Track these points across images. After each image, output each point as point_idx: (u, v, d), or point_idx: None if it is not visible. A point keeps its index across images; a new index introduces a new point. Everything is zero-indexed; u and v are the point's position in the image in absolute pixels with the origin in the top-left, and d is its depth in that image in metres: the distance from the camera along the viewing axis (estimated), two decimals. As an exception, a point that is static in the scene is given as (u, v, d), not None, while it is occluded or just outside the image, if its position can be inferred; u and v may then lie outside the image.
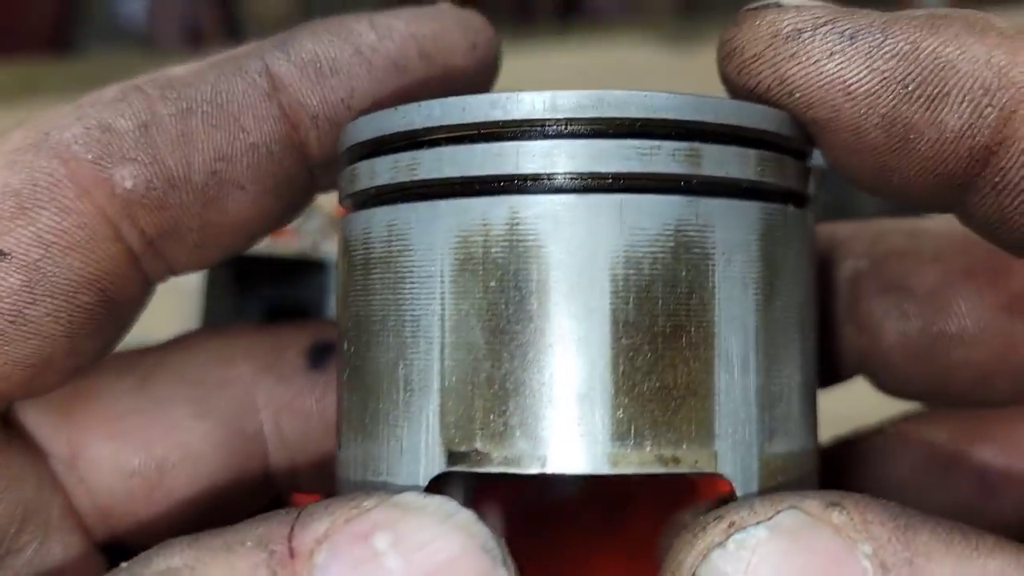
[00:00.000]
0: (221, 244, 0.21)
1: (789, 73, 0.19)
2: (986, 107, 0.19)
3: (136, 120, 0.20)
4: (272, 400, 0.24)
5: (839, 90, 0.19)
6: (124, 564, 0.18)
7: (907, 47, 0.19)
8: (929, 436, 0.25)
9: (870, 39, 0.19)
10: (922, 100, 0.19)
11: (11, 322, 0.19)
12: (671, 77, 0.99)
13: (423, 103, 0.18)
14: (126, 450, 0.22)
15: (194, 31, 1.66)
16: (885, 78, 0.19)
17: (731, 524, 0.16)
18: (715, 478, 0.17)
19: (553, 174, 0.17)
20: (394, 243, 0.18)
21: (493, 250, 0.17)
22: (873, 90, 0.19)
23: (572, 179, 0.17)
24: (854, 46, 0.19)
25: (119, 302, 0.20)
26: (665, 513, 0.54)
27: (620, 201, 0.17)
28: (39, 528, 0.21)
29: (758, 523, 0.16)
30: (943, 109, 0.19)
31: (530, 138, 0.17)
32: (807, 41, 0.20)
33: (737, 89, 0.21)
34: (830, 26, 0.20)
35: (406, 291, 0.18)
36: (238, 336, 0.24)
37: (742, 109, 0.19)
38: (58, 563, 0.21)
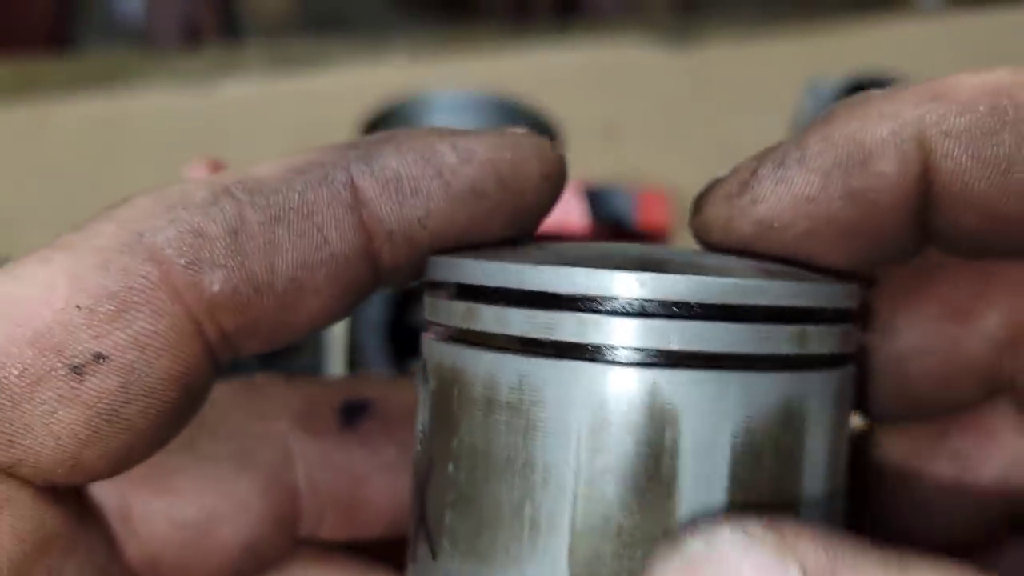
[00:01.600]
0: (288, 339, 0.22)
1: (757, 215, 0.22)
2: (909, 156, 0.22)
3: (227, 227, 0.20)
4: (306, 454, 0.25)
5: (800, 203, 0.22)
6: None
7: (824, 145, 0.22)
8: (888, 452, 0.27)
9: (798, 155, 0.22)
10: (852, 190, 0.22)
11: (107, 421, 0.20)
12: (669, 76, 0.99)
13: (565, 269, 0.20)
14: (179, 503, 0.24)
15: (192, 29, 1.66)
16: (825, 179, 0.22)
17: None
18: None
19: (689, 351, 0.19)
20: (526, 394, 0.19)
21: (632, 416, 0.19)
22: (816, 194, 0.22)
23: (706, 357, 0.19)
24: (793, 168, 0.22)
25: (196, 394, 0.21)
26: None
27: (744, 379, 0.19)
28: None
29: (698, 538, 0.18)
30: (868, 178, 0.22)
31: (671, 318, 0.19)
32: (755, 184, 0.22)
33: (724, 248, 0.23)
34: (766, 164, 0.22)
35: (538, 440, 0.20)
36: (270, 391, 0.26)
37: (832, 291, 0.21)
38: None
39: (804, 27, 1.04)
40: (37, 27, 1.56)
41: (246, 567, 0.25)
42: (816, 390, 0.20)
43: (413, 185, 0.21)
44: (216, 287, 0.20)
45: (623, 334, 0.19)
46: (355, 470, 0.25)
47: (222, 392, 0.25)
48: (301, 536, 0.26)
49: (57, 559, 0.21)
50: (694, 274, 0.19)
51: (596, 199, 0.66)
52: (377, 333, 0.55)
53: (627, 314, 0.19)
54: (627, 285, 0.19)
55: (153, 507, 0.23)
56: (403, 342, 0.55)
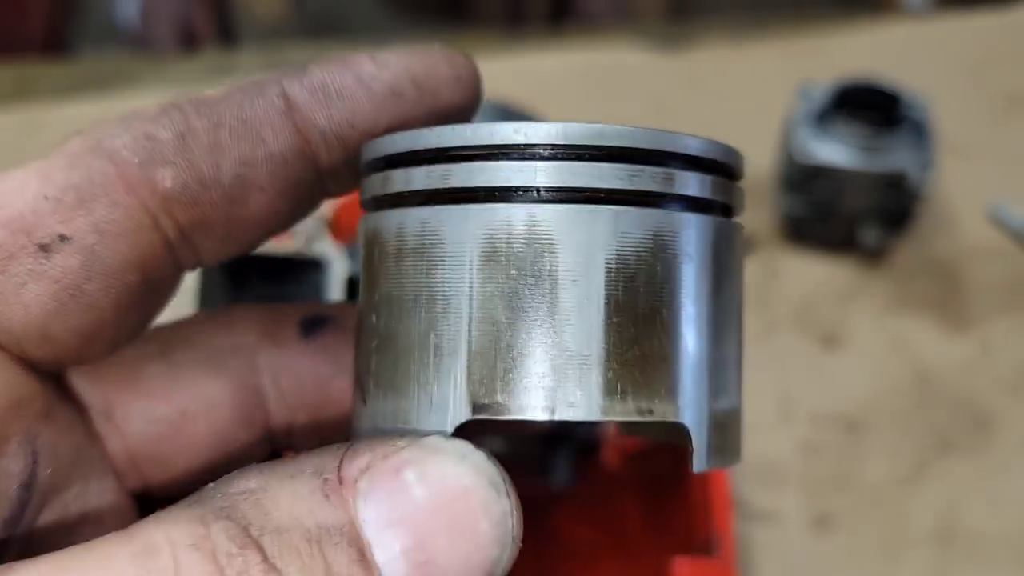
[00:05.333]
0: (242, 238, 0.25)
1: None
2: None
3: (175, 131, 0.24)
4: (271, 363, 0.28)
5: None
6: (211, 484, 0.21)
7: None
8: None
9: None
10: None
11: (71, 295, 0.23)
12: (659, 78, 1.00)
13: (456, 126, 0.23)
14: (153, 403, 0.27)
15: (187, 33, 1.66)
16: None
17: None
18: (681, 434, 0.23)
19: (562, 188, 0.22)
20: (427, 237, 0.23)
21: (514, 245, 0.22)
22: None
23: (577, 192, 0.22)
24: None
25: (157, 284, 0.24)
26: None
27: (614, 211, 0.22)
28: (83, 471, 0.26)
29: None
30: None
31: (545, 159, 0.22)
32: None
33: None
34: None
35: (438, 276, 0.22)
36: (240, 311, 0.29)
37: (702, 144, 0.24)
38: (96, 502, 0.26)
39: (794, 30, 1.05)
40: (34, 32, 1.56)
41: (217, 461, 0.28)
42: (687, 228, 0.23)
43: (338, 90, 0.25)
44: (168, 183, 0.23)
45: (505, 175, 0.22)
46: (317, 375, 0.28)
47: (196, 314, 0.29)
48: (276, 446, 0.29)
49: (33, 423, 0.24)
50: (568, 123, 0.22)
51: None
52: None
53: (508, 157, 0.22)
54: (506, 133, 0.22)
55: (132, 407, 0.27)
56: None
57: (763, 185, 0.85)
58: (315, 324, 0.29)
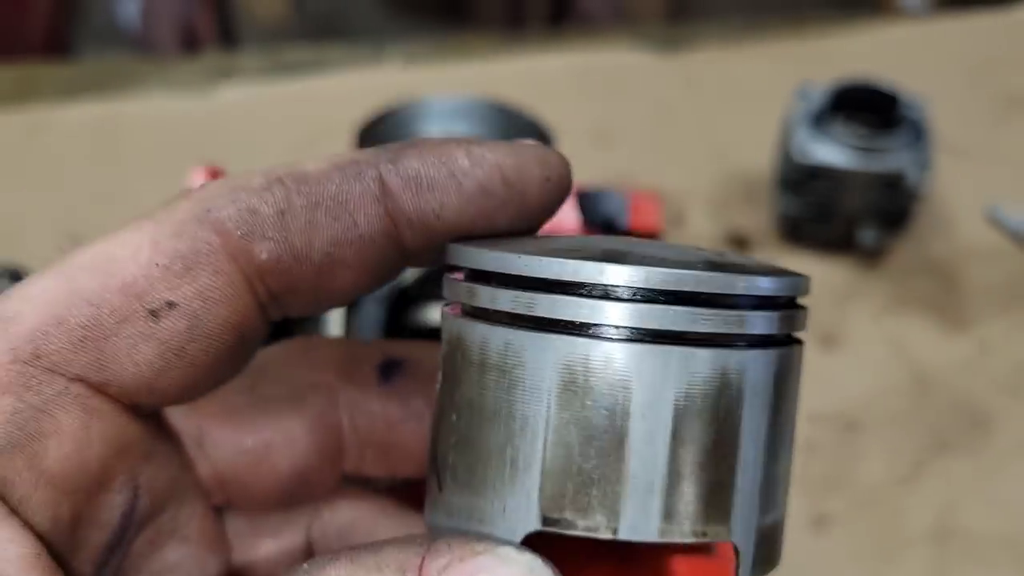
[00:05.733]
0: (327, 303, 0.28)
1: None
2: None
3: (276, 208, 0.25)
4: (348, 401, 0.31)
5: None
6: (305, 566, 0.23)
7: None
8: None
9: None
10: None
11: (176, 355, 0.25)
12: (658, 79, 1.00)
13: (544, 260, 0.24)
14: (241, 434, 0.30)
15: (189, 34, 1.67)
16: None
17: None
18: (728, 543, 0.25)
19: (639, 328, 0.24)
20: (510, 357, 0.24)
21: (591, 378, 0.23)
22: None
23: (651, 333, 0.24)
24: None
25: (249, 339, 0.27)
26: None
27: (684, 353, 0.24)
28: (178, 496, 0.28)
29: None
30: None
31: (623, 300, 0.24)
32: None
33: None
34: None
35: (518, 395, 0.24)
36: (320, 348, 0.32)
37: (773, 283, 0.25)
38: (187, 520, 0.29)
39: (793, 32, 1.05)
40: (36, 33, 1.56)
41: (297, 491, 0.30)
42: (752, 365, 0.24)
43: (430, 183, 0.26)
44: (264, 255, 0.25)
45: (587, 312, 0.24)
46: (389, 417, 0.30)
47: (280, 347, 0.31)
48: (347, 472, 0.31)
49: (136, 463, 0.26)
50: (648, 265, 0.24)
51: (589, 201, 0.67)
52: (375, 332, 0.56)
53: (591, 296, 0.24)
54: (590, 273, 0.24)
55: (221, 436, 0.29)
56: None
57: (761, 185, 0.85)
58: (393, 368, 0.31)
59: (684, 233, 0.83)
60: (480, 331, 0.25)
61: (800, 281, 0.26)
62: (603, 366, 0.23)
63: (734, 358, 0.24)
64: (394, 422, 0.30)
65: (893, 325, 0.78)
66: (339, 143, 0.76)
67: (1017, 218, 0.85)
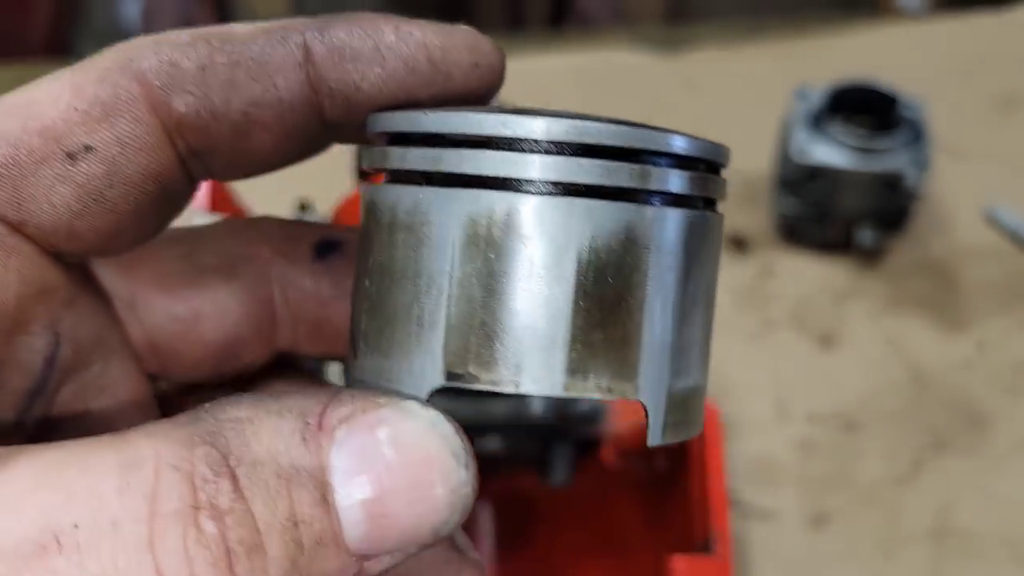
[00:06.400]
0: (247, 166, 0.28)
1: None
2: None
3: (197, 63, 0.26)
4: (282, 277, 0.31)
5: None
6: (207, 405, 0.23)
7: None
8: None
9: None
10: None
11: (94, 200, 0.25)
12: (657, 80, 1.00)
13: (449, 113, 0.24)
14: (173, 300, 0.30)
15: (189, 35, 1.66)
16: None
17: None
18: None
19: (543, 180, 0.23)
20: (417, 215, 0.24)
21: (494, 231, 0.23)
22: None
23: (557, 186, 0.23)
24: None
25: (172, 193, 0.27)
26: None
27: (589, 205, 0.23)
28: (105, 351, 0.29)
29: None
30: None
31: (528, 152, 0.23)
32: None
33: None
34: None
35: (423, 253, 0.24)
36: (260, 225, 0.32)
37: (681, 141, 0.25)
38: (116, 380, 0.29)
39: (791, 33, 1.06)
40: (37, 34, 1.56)
41: (227, 362, 0.31)
42: (660, 223, 0.24)
43: (353, 53, 0.26)
44: (183, 108, 0.26)
45: (491, 165, 0.23)
46: (321, 294, 0.31)
47: (222, 222, 0.31)
48: (282, 349, 0.31)
49: (57, 308, 0.27)
50: (555, 118, 0.23)
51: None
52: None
53: (496, 148, 0.24)
54: (494, 126, 0.24)
55: (153, 301, 0.30)
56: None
57: (760, 186, 0.85)
58: (328, 248, 0.31)
59: (683, 233, 0.83)
60: (391, 192, 0.25)
61: (718, 148, 0.26)
62: (506, 219, 0.23)
63: (641, 214, 0.24)
64: (326, 299, 0.31)
65: (891, 325, 0.79)
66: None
67: (1015, 218, 0.86)
